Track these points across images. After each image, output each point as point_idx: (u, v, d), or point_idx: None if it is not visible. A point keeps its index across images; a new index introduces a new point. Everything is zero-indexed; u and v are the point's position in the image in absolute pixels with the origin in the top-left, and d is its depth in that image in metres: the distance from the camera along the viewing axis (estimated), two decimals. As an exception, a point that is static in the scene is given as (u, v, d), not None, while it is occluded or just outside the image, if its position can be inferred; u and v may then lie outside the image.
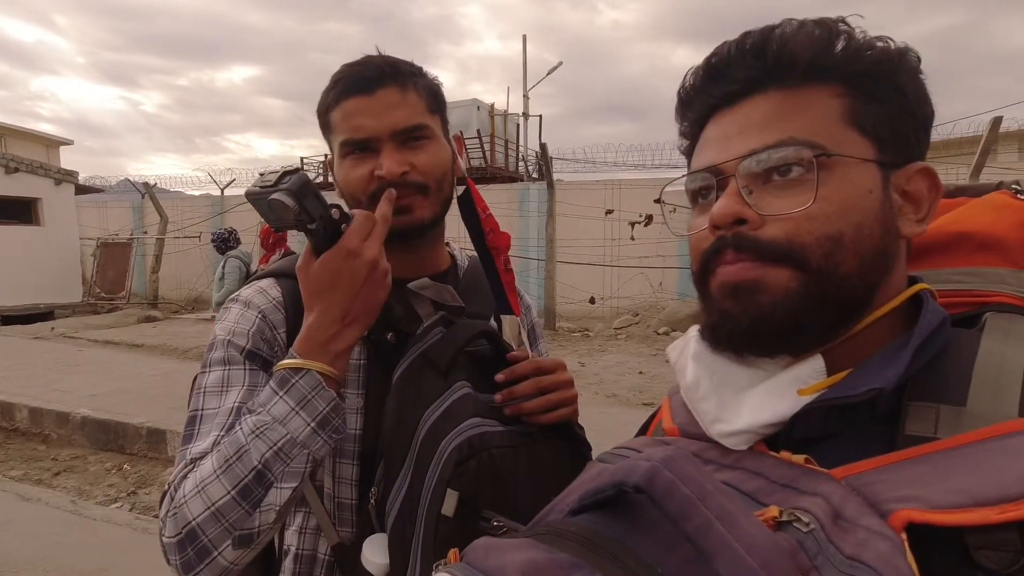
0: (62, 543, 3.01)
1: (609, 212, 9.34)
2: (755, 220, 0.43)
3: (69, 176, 12.39)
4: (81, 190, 13.33)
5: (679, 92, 0.51)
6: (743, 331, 0.44)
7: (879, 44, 0.44)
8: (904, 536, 0.33)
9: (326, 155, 0.92)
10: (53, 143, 18.81)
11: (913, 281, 0.47)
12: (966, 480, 0.34)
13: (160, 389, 5.33)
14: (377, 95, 0.78)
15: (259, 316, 0.79)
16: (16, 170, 11.31)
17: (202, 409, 0.74)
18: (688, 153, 0.53)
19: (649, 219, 8.16)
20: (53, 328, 9.15)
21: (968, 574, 0.33)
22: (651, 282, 9.43)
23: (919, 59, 0.45)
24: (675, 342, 0.54)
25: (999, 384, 0.39)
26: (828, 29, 0.44)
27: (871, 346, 0.44)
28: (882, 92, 0.44)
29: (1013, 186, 0.57)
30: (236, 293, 0.83)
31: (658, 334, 8.15)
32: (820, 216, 0.42)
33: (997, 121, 6.31)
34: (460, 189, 0.89)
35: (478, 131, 14.12)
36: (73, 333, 8.65)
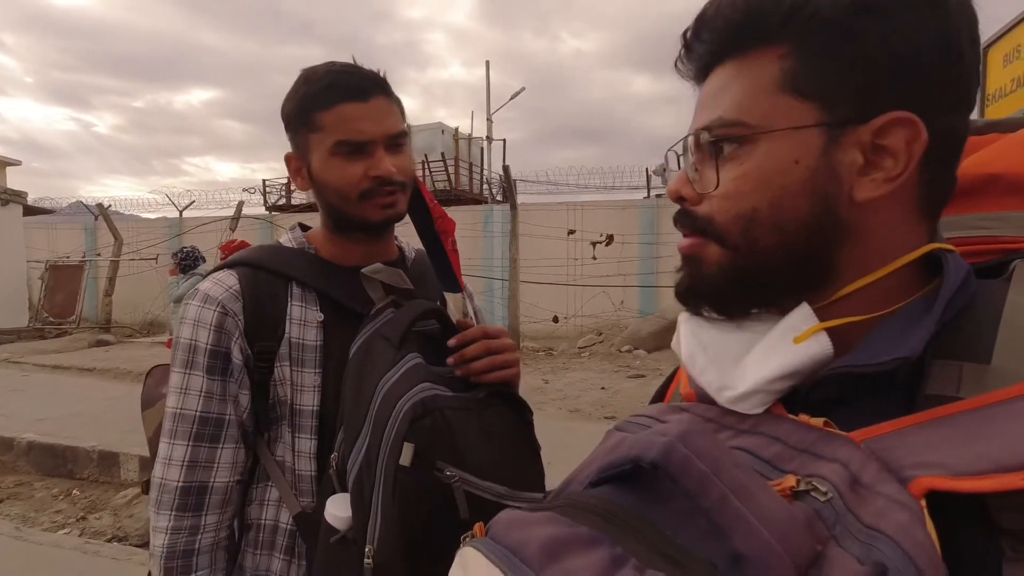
0: (6, 569, 2.90)
1: (571, 232, 9.54)
2: (692, 198, 0.46)
3: (17, 196, 11.97)
4: (30, 211, 12.86)
5: (676, 61, 0.51)
6: (684, 294, 0.48)
7: None
8: (924, 503, 0.32)
9: (288, 178, 0.97)
10: (0, 163, 18.15)
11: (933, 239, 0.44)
12: (989, 444, 0.32)
13: (113, 412, 5.17)
14: (371, 102, 0.87)
15: (218, 309, 0.85)
16: (-40, 190, 10.88)
17: (173, 407, 0.84)
18: None
19: (610, 239, 8.37)
20: (-4, 353, 8.75)
21: (990, 538, 0.32)
22: (613, 301, 9.62)
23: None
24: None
25: None
26: None
27: (880, 301, 0.42)
28: (833, 43, 0.40)
29: None
30: (195, 288, 0.89)
31: (621, 352, 8.30)
32: (735, 194, 0.43)
33: None
34: None
35: (443, 154, 14.26)
36: (18, 358, 8.29)
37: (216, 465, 0.84)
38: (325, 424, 0.86)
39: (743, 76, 0.43)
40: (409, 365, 0.79)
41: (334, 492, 0.80)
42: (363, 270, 0.89)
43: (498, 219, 10.58)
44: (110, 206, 12.62)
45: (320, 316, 0.89)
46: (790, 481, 0.35)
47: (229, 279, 0.87)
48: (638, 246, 9.65)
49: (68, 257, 12.78)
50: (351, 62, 0.90)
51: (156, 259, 11.60)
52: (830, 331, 0.40)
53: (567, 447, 1.92)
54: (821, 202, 0.42)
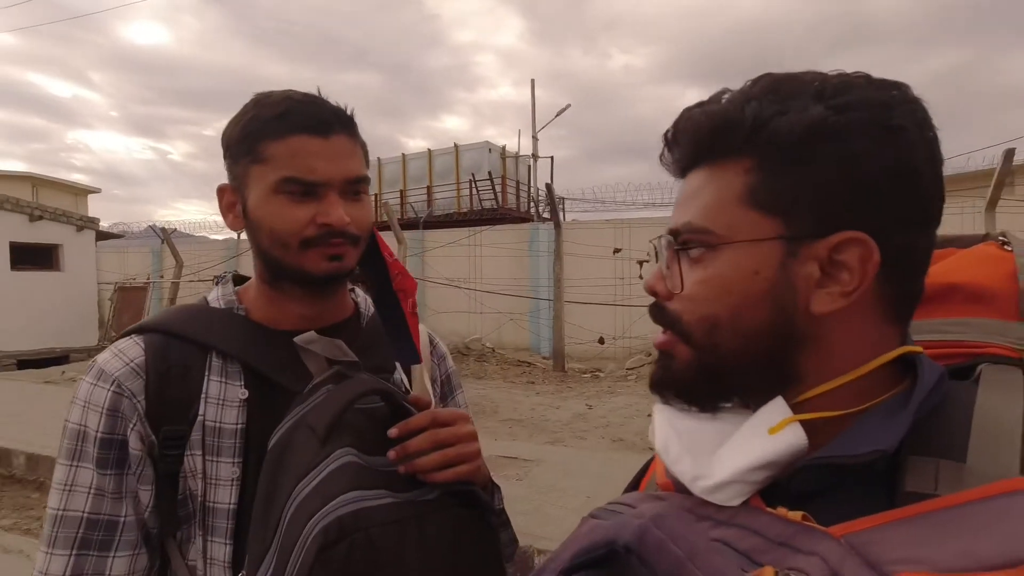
0: None
1: (617, 251, 9.29)
2: (663, 294, 0.48)
3: (90, 223, 12.74)
4: (103, 236, 13.67)
5: (660, 157, 0.54)
6: (656, 386, 0.48)
7: (794, 114, 0.42)
8: None
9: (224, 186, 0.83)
10: (81, 192, 19.51)
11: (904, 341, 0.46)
12: (972, 542, 0.33)
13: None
14: (332, 140, 0.73)
15: (113, 388, 0.71)
16: (40, 218, 11.66)
17: (55, 508, 0.71)
18: None
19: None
20: (64, 372, 9.21)
21: None
22: (662, 321, 9.26)
23: (868, 113, 0.41)
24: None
25: (999, 439, 0.39)
26: (735, 105, 0.44)
27: (853, 398, 0.43)
28: (791, 164, 0.42)
29: (1000, 237, 0.58)
30: (94, 358, 0.76)
31: (670, 375, 7.95)
32: (699, 298, 0.45)
33: (1010, 153, 6.17)
34: None
35: (489, 173, 14.29)
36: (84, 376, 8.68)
37: None
38: (243, 526, 0.70)
39: (713, 184, 0.45)
40: (333, 467, 0.63)
41: None
42: (296, 339, 0.73)
43: (544, 238, 10.43)
44: (175, 230, 13.24)
45: (243, 393, 0.73)
46: (768, 573, 0.34)
47: (132, 349, 0.74)
48: (688, 264, 9.26)
49: (135, 279, 13.47)
50: (315, 93, 0.76)
51: (213, 280, 12.04)
52: (804, 425, 0.41)
53: (609, 480, 1.70)
54: (780, 312, 0.43)
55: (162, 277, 13.44)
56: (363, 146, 0.79)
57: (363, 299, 0.89)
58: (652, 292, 0.49)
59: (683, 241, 0.46)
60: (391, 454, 0.67)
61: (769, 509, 0.40)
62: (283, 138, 0.72)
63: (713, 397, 0.46)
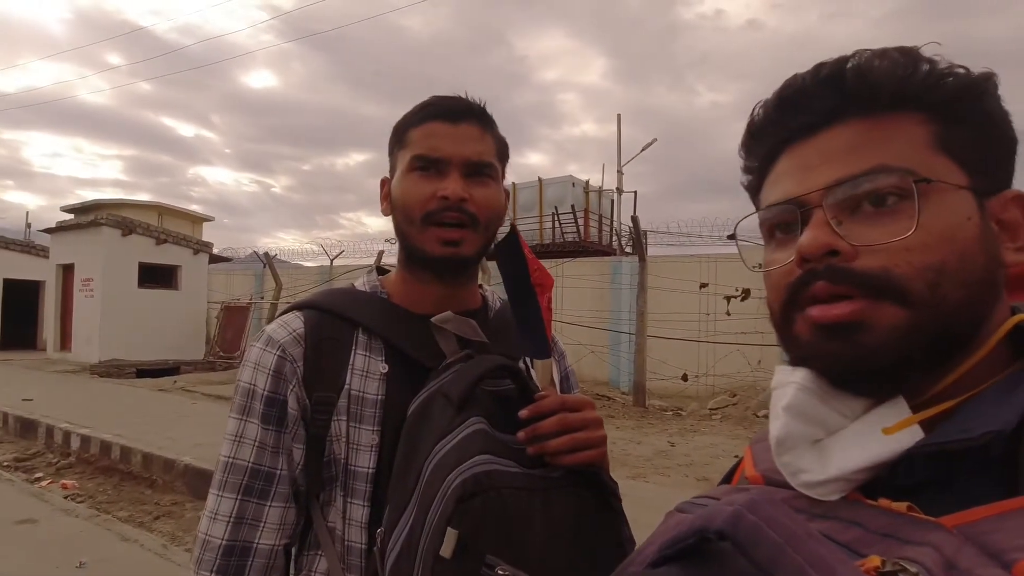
0: (148, 584, 3.15)
1: (703, 286, 9.03)
2: (848, 251, 0.41)
3: (205, 247, 13.97)
4: (214, 260, 14.92)
5: (748, 126, 0.50)
6: (840, 374, 0.41)
7: (959, 71, 0.42)
8: None
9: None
10: (198, 220, 21.40)
11: (1014, 312, 0.43)
12: None
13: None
14: (460, 126, 0.82)
15: (278, 353, 0.80)
16: (164, 241, 12.95)
17: (226, 456, 0.79)
18: (754, 189, 0.51)
19: (746, 293, 7.77)
20: (175, 382, 10.03)
21: None
22: (749, 360, 8.84)
23: (997, 86, 0.43)
24: (783, 367, 0.46)
25: None
26: (909, 56, 0.43)
27: (969, 384, 0.40)
28: (969, 118, 0.42)
29: None
30: (263, 328, 0.86)
31: (756, 416, 7.55)
32: (920, 246, 0.39)
33: None
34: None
35: (572, 206, 14.40)
36: (191, 387, 9.42)
37: (263, 524, 0.77)
38: (381, 490, 0.76)
39: (890, 133, 0.42)
40: (468, 431, 0.68)
41: (379, 575, 0.70)
42: (432, 319, 0.81)
43: (627, 271, 10.32)
44: (275, 255, 14.22)
45: (384, 368, 0.81)
46: (874, 561, 0.32)
47: (294, 322, 0.83)
48: (779, 302, 8.84)
49: (239, 299, 14.52)
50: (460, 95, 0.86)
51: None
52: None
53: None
54: (990, 259, 0.41)
55: (262, 298, 14.41)
56: (498, 140, 0.86)
57: (490, 292, 0.95)
58: (829, 250, 0.41)
59: (885, 185, 0.41)
60: (521, 435, 0.71)
61: (870, 501, 0.38)
62: (420, 125, 0.83)
63: (925, 370, 0.40)
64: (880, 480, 0.39)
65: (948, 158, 0.42)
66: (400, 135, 0.85)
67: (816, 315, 0.41)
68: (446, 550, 0.60)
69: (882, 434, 0.39)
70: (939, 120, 0.42)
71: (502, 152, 0.87)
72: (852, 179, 0.41)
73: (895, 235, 0.40)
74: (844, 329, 0.40)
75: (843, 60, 0.44)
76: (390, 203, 0.86)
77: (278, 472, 0.78)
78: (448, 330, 0.81)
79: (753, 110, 0.49)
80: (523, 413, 0.72)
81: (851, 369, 0.40)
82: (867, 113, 0.43)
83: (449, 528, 0.60)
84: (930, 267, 0.39)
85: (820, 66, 0.45)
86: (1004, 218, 0.43)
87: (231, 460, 0.78)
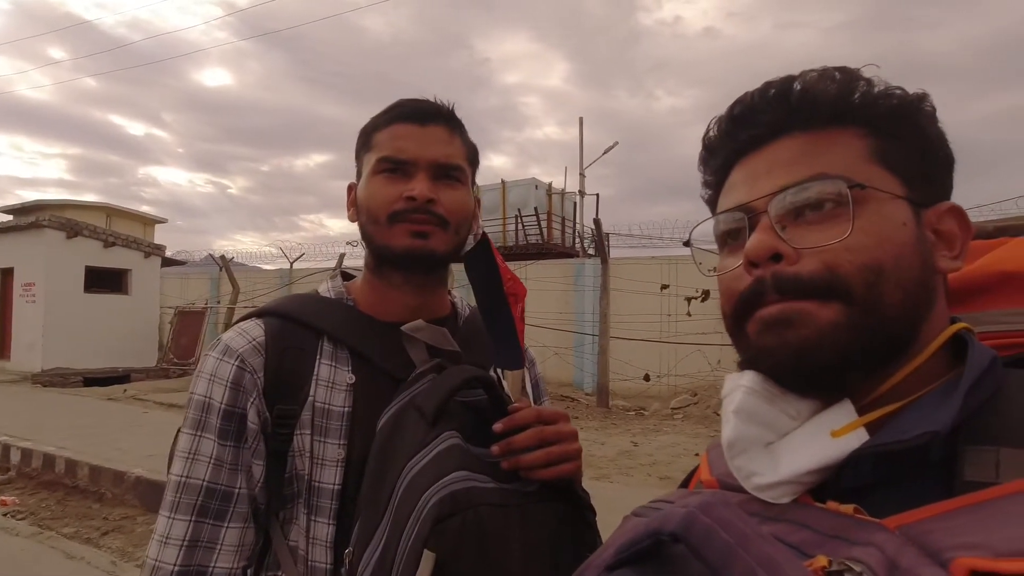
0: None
1: (664, 287, 9.19)
2: (791, 255, 0.43)
3: (157, 250, 13.46)
4: (167, 263, 14.39)
5: (703, 140, 0.52)
6: (783, 365, 0.42)
7: (896, 91, 0.46)
8: None
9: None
10: (150, 221, 20.66)
11: (954, 322, 0.45)
12: None
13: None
14: (428, 128, 0.80)
15: (236, 363, 0.75)
16: (113, 244, 12.42)
17: (178, 475, 0.74)
18: (711, 202, 0.54)
19: (706, 295, 7.95)
20: (125, 390, 9.63)
21: None
22: (709, 360, 9.03)
23: (934, 107, 0.47)
24: (732, 373, 0.48)
25: None
26: (848, 75, 0.46)
27: (910, 388, 0.42)
28: (904, 133, 0.45)
29: None
30: (219, 336, 0.81)
31: (717, 415, 7.70)
32: (858, 247, 0.41)
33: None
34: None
35: (535, 208, 14.46)
36: (143, 396, 9.05)
37: (219, 547, 0.72)
38: (347, 507, 0.73)
39: (830, 144, 0.45)
40: (443, 447, 0.66)
41: None
42: (403, 327, 0.77)
43: (589, 273, 10.42)
44: (233, 258, 13.82)
45: (351, 378, 0.77)
46: (821, 561, 0.34)
47: (254, 330, 0.78)
48: (738, 303, 9.07)
49: (194, 304, 14.06)
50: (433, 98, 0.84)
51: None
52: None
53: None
54: (926, 265, 0.43)
55: (219, 302, 13.99)
56: (466, 143, 0.84)
57: (460, 300, 0.93)
58: (772, 254, 0.43)
59: (815, 194, 0.43)
60: (495, 449, 0.69)
61: (818, 504, 0.39)
62: (387, 127, 0.81)
63: (866, 371, 0.42)
64: (829, 482, 0.40)
65: (885, 169, 0.44)
66: (366, 138, 0.83)
67: (762, 314, 0.44)
68: (423, 573, 0.58)
69: (830, 437, 0.40)
70: (876, 135, 0.45)
71: (472, 156, 0.86)
72: (794, 186, 0.44)
73: (833, 238, 0.42)
74: (785, 322, 0.42)
75: (789, 79, 0.47)
76: (356, 208, 0.83)
77: (236, 490, 0.74)
78: (418, 339, 0.78)
79: (708, 126, 0.51)
80: (498, 427, 0.70)
81: (794, 368, 0.42)
82: (810, 127, 0.46)
83: (426, 551, 0.58)
84: (867, 267, 0.41)
85: (768, 84, 0.48)
86: (941, 228, 0.45)
87: (184, 479, 0.73)
